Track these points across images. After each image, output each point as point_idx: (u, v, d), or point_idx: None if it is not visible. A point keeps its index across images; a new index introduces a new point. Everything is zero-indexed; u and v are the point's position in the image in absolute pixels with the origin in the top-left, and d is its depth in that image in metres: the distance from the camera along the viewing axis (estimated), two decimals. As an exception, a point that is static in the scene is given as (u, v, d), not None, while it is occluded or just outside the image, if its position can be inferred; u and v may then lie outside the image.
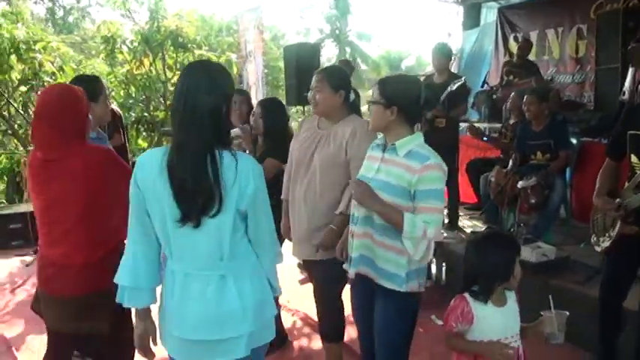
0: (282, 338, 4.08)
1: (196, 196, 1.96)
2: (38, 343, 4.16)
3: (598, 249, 3.35)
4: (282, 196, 3.50)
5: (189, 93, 2.01)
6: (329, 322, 3.40)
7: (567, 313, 2.38)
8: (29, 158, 2.75)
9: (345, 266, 2.83)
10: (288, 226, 3.45)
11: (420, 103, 2.65)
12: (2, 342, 4.45)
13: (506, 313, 2.38)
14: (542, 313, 2.40)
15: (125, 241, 2.21)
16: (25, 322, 4.75)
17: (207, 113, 1.99)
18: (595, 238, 3.39)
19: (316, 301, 3.42)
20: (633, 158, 3.08)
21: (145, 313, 2.22)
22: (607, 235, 3.24)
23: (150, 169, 2.02)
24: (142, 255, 2.13)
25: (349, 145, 3.09)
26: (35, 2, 23.82)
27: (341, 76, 3.24)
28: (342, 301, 3.35)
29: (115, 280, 2.14)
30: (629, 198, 3.04)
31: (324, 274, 3.24)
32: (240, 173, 1.99)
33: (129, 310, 2.46)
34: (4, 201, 9.85)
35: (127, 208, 2.16)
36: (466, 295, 2.39)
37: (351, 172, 3.05)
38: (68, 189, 2.53)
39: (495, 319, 2.36)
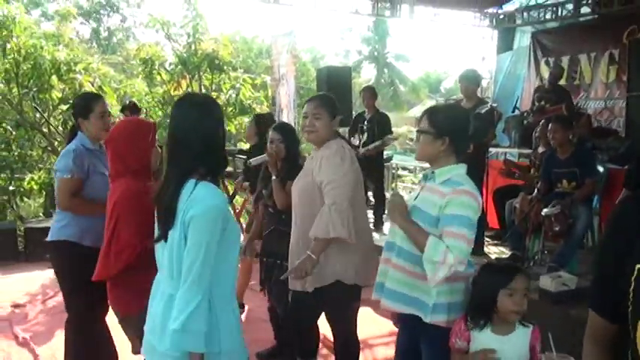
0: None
1: (162, 215, 2.19)
2: (62, 351, 4.35)
3: None
4: None
5: (172, 123, 2.23)
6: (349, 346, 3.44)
7: (572, 358, 2.38)
8: None
9: (374, 295, 2.78)
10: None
11: (469, 134, 2.64)
12: (30, 350, 4.62)
13: (506, 343, 2.40)
14: (544, 353, 2.42)
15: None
16: (52, 331, 4.93)
17: (184, 144, 2.17)
18: None
19: (330, 325, 3.47)
20: None
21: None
22: None
23: None
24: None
25: (315, 172, 3.15)
26: (82, 23, 24.68)
27: (335, 104, 3.31)
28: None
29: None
30: None
31: (337, 297, 3.28)
32: (190, 200, 2.10)
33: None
34: (42, 214, 10.17)
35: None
36: (467, 316, 2.46)
37: (324, 193, 3.08)
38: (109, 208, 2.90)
39: (491, 345, 2.39)
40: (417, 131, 2.67)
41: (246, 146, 8.22)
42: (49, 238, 3.59)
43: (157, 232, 2.23)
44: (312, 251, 3.04)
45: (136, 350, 2.98)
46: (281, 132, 3.93)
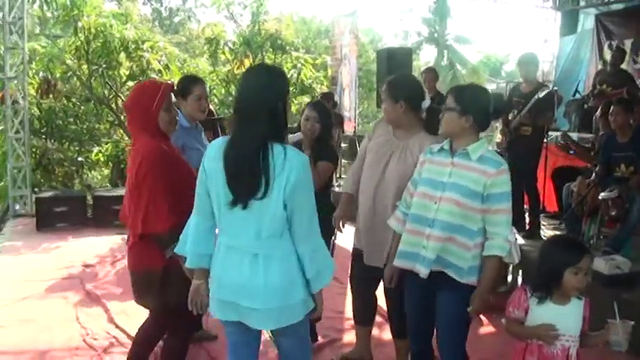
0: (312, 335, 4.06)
1: (245, 183, 2.25)
2: (133, 309, 4.62)
3: None
4: (345, 189, 3.73)
5: (248, 93, 2.34)
6: (400, 320, 3.52)
7: (632, 322, 2.47)
8: None
9: (400, 262, 2.95)
10: (341, 216, 3.69)
11: (490, 113, 2.84)
12: (101, 306, 4.95)
13: (562, 312, 2.51)
14: (608, 320, 2.49)
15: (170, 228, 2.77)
16: (122, 291, 5.23)
17: (263, 111, 2.28)
18: None
19: (387, 300, 3.63)
20: None
21: (199, 274, 2.53)
22: None
23: (213, 155, 2.37)
24: (199, 225, 2.47)
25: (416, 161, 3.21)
26: (144, 3, 25.22)
27: (403, 87, 3.34)
28: None
29: (177, 250, 2.58)
30: None
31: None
32: (287, 163, 2.24)
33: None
34: (109, 184, 10.66)
35: (160, 203, 2.74)
36: (527, 287, 2.59)
37: None
38: (130, 171, 2.97)
39: (549, 314, 2.50)
40: (444, 109, 2.83)
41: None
42: None
43: (231, 197, 2.30)
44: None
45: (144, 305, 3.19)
46: (318, 112, 3.92)
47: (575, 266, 2.46)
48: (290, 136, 4.18)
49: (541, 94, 5.59)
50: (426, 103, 3.40)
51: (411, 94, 3.32)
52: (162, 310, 3.08)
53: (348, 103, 9.68)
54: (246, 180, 2.25)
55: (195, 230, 2.48)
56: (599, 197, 5.27)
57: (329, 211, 3.73)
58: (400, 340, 3.60)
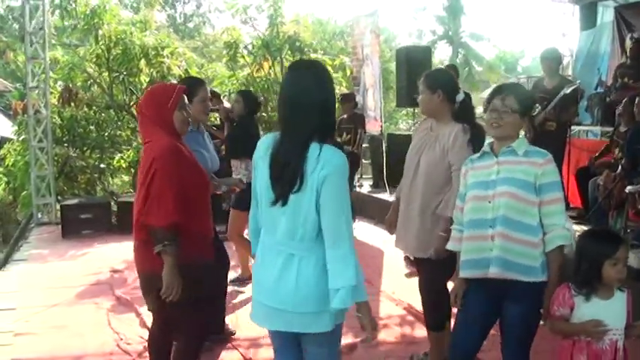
0: None
1: (286, 180, 2.24)
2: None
3: None
4: (395, 195, 3.79)
5: (296, 87, 2.33)
6: (435, 313, 3.58)
7: None
8: None
9: (470, 273, 2.88)
10: (390, 222, 3.72)
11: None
12: (133, 310, 4.99)
13: (607, 307, 2.51)
14: None
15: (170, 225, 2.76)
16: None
17: (311, 108, 2.27)
18: None
19: (423, 293, 3.62)
20: None
21: None
22: None
23: (260, 150, 2.39)
24: (252, 217, 2.55)
25: (450, 150, 3.28)
26: (158, 10, 25.42)
27: (439, 77, 3.48)
28: (447, 293, 3.44)
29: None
30: None
31: (434, 269, 3.41)
32: (321, 160, 2.22)
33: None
34: (131, 190, 10.77)
35: (165, 200, 2.71)
36: (570, 284, 2.57)
37: (452, 176, 3.26)
38: (141, 169, 2.96)
39: (595, 310, 2.50)
40: (507, 111, 2.77)
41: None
42: None
43: (272, 196, 2.29)
44: (443, 230, 3.24)
45: (150, 307, 3.20)
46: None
47: (613, 257, 2.46)
48: None
49: (567, 90, 5.56)
50: (461, 96, 3.44)
51: (448, 86, 3.43)
52: (159, 311, 3.10)
53: (373, 103, 9.66)
54: (288, 177, 2.25)
55: (253, 224, 2.56)
56: (626, 190, 5.24)
57: None
58: (436, 332, 3.62)
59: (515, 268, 2.71)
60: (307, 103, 2.28)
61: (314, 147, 2.25)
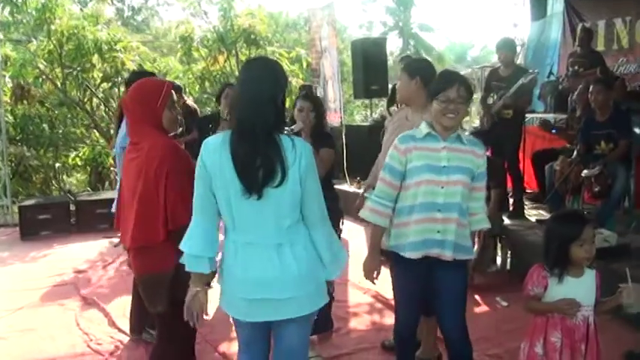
0: (326, 325, 4.14)
1: (258, 171, 2.26)
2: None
3: None
4: (368, 182, 3.85)
5: (252, 84, 2.36)
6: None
7: None
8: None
9: (412, 253, 2.94)
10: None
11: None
12: (101, 310, 4.93)
13: (579, 285, 2.61)
14: (620, 285, 2.58)
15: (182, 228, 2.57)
16: (118, 293, 5.26)
17: (267, 101, 2.32)
18: None
19: None
20: None
21: (198, 279, 2.44)
22: None
23: (214, 151, 2.34)
24: (202, 227, 2.40)
25: None
26: (108, 4, 24.81)
27: (418, 65, 3.56)
28: None
29: (180, 247, 2.41)
30: None
31: None
32: (297, 151, 2.31)
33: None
34: (89, 189, 10.57)
35: (187, 197, 2.53)
36: (543, 264, 2.67)
37: None
38: (132, 171, 2.85)
39: (567, 288, 2.59)
40: (462, 102, 2.85)
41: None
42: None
43: (244, 190, 2.28)
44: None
45: (154, 308, 2.96)
46: (310, 100, 4.05)
47: (580, 238, 2.55)
48: (294, 126, 4.27)
49: (526, 80, 5.71)
50: None
51: (426, 73, 3.46)
52: (171, 315, 2.84)
53: (332, 94, 9.70)
54: (260, 170, 2.26)
55: (196, 232, 2.40)
56: (582, 175, 5.44)
57: (333, 198, 3.77)
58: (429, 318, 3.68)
59: (463, 250, 2.91)
60: (266, 99, 2.33)
61: (285, 140, 2.32)
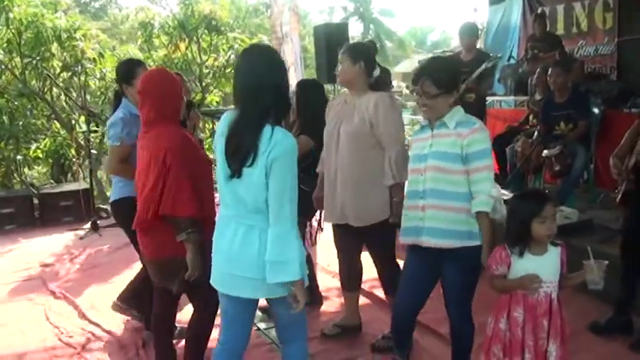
0: (315, 297, 4.44)
1: (238, 154, 2.38)
2: (102, 303, 4.64)
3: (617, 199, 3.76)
4: (318, 170, 3.84)
5: (251, 74, 2.43)
6: (394, 274, 3.63)
7: (606, 262, 2.65)
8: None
9: (405, 239, 3.08)
10: (320, 197, 3.80)
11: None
12: (70, 303, 4.89)
13: (541, 262, 2.68)
14: (583, 262, 2.66)
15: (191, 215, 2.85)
16: (86, 285, 5.27)
17: (263, 91, 2.40)
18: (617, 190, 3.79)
19: (379, 262, 3.75)
20: None
21: None
22: (618, 189, 3.69)
23: (221, 127, 2.51)
24: None
25: (373, 117, 3.39)
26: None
27: (361, 50, 3.57)
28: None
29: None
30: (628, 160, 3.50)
31: (384, 234, 3.56)
32: (272, 141, 2.36)
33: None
34: (52, 181, 10.38)
35: (202, 186, 2.79)
36: (505, 244, 2.74)
37: (381, 140, 3.40)
38: (151, 159, 2.92)
39: (529, 265, 2.67)
40: (428, 97, 2.89)
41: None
42: (112, 199, 3.88)
43: (228, 170, 2.43)
44: (397, 196, 3.38)
45: (172, 287, 3.13)
46: (299, 87, 4.30)
47: (540, 215, 2.63)
48: None
49: (489, 64, 5.82)
50: (377, 71, 3.57)
51: (369, 59, 3.53)
52: (191, 289, 3.12)
53: (295, 81, 9.71)
54: (242, 153, 2.38)
55: None
56: (543, 155, 5.60)
57: (307, 184, 3.84)
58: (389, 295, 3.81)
59: (450, 235, 2.89)
60: (260, 86, 2.41)
61: (267, 128, 2.38)
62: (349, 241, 3.79)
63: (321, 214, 4.17)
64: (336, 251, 3.97)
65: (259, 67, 2.44)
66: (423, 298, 3.14)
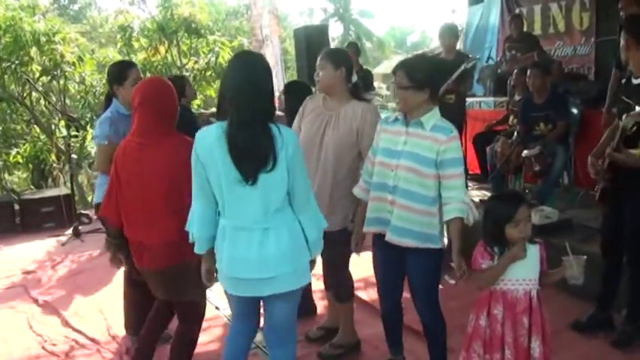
0: (308, 309, 4.37)
1: (254, 159, 2.43)
2: (84, 309, 4.65)
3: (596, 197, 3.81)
4: None
5: (247, 76, 2.48)
6: (349, 282, 3.76)
7: (585, 256, 2.71)
8: (123, 143, 3.13)
9: (369, 228, 3.16)
10: None
11: (441, 80, 3.06)
12: (53, 311, 4.85)
13: (523, 261, 2.71)
14: (562, 258, 2.72)
15: None
16: (69, 292, 5.22)
17: (263, 92, 2.50)
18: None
19: (329, 267, 3.73)
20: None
21: (207, 255, 2.74)
22: (597, 187, 3.75)
23: (208, 142, 2.49)
24: (204, 212, 2.63)
25: (360, 128, 3.38)
26: (42, -8, 24.00)
27: (342, 55, 3.53)
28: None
29: (186, 229, 2.71)
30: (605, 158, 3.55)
31: (342, 242, 3.50)
32: (283, 138, 2.47)
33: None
34: (32, 187, 10.28)
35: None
36: (483, 244, 2.79)
37: (362, 151, 3.38)
38: (157, 171, 2.93)
39: (512, 264, 2.71)
40: (399, 88, 2.94)
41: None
42: (96, 201, 3.87)
43: (239, 178, 2.45)
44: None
45: (184, 297, 3.16)
46: (286, 88, 4.44)
47: (514, 219, 2.67)
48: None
49: (468, 65, 5.87)
50: (355, 77, 3.54)
51: (349, 64, 3.51)
52: (201, 297, 3.21)
53: (276, 83, 9.73)
54: (255, 157, 2.43)
55: (200, 216, 2.64)
56: (523, 155, 5.66)
57: None
58: (348, 303, 3.82)
59: (410, 235, 2.96)
60: (259, 91, 2.49)
61: (273, 127, 2.48)
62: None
63: None
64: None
65: (256, 73, 2.52)
66: (399, 289, 3.27)
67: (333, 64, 3.43)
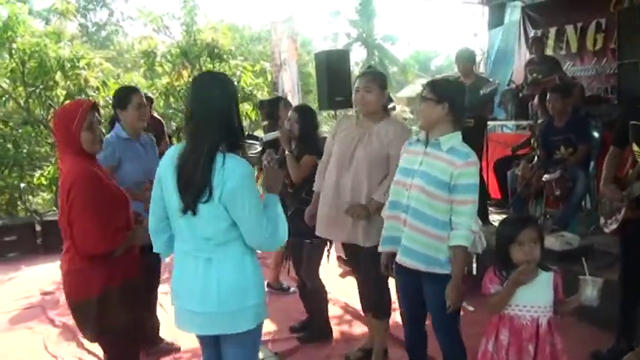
0: (324, 333, 4.38)
1: (191, 189, 2.31)
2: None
3: (606, 230, 3.70)
4: (314, 188, 3.90)
5: (198, 102, 2.38)
6: (385, 299, 3.79)
7: (602, 279, 2.62)
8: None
9: (384, 248, 3.15)
10: (313, 214, 3.84)
11: (464, 104, 3.02)
12: (69, 332, 4.85)
13: (529, 286, 2.65)
14: (579, 277, 2.66)
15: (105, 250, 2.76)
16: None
17: (215, 118, 2.34)
18: (603, 220, 3.71)
19: (368, 282, 3.77)
20: (635, 147, 3.39)
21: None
22: (614, 218, 3.58)
23: (166, 163, 2.45)
24: (154, 225, 2.58)
25: (391, 144, 3.47)
26: (71, 20, 24.47)
27: (385, 78, 3.69)
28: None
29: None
30: (630, 187, 3.40)
31: (373, 257, 3.49)
32: (224, 171, 2.29)
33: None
34: (55, 208, 10.39)
35: (102, 225, 2.69)
36: (494, 268, 2.75)
37: (391, 168, 3.43)
38: (61, 198, 2.84)
39: (520, 291, 2.66)
40: (422, 98, 2.98)
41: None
42: None
43: (181, 205, 2.35)
44: (371, 208, 3.46)
45: (84, 335, 3.09)
46: (298, 112, 4.38)
47: (517, 240, 2.63)
48: (266, 134, 4.47)
49: (487, 90, 5.84)
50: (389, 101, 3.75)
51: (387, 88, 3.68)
52: (109, 343, 2.96)
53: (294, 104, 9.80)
54: (196, 188, 2.31)
55: (153, 229, 2.59)
56: (543, 179, 5.58)
57: (306, 204, 4.01)
58: (384, 319, 3.83)
59: (416, 257, 2.92)
60: (210, 115, 2.35)
61: (219, 157, 2.32)
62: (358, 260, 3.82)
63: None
64: (344, 284, 4.00)
65: (208, 95, 2.38)
66: (423, 310, 3.15)
67: (380, 87, 3.57)
